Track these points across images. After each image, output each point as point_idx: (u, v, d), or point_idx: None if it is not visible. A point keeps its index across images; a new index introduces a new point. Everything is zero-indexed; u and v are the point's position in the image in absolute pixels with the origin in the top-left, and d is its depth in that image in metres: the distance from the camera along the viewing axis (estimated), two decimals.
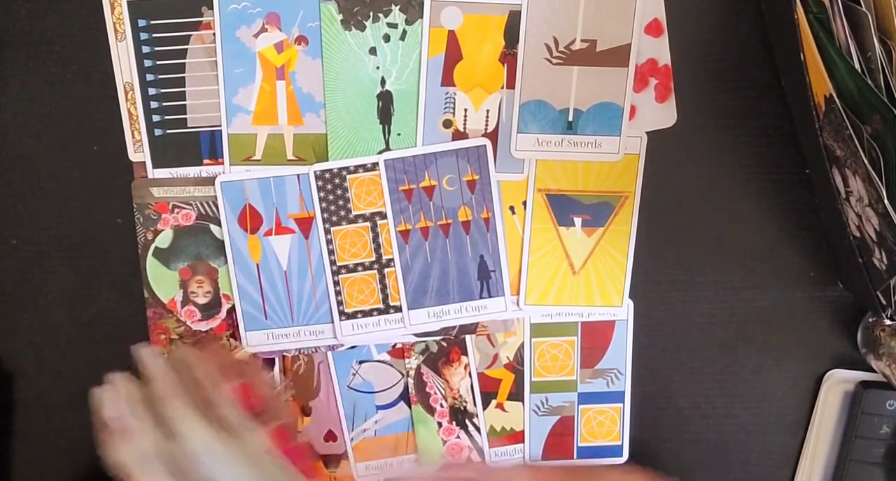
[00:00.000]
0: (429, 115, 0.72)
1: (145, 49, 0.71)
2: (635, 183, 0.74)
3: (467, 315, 0.75)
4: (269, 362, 0.76)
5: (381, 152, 0.73)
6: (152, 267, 0.74)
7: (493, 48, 0.71)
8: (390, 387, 0.77)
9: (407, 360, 0.76)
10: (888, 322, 0.71)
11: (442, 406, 0.77)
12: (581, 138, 0.72)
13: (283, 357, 0.76)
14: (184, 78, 0.71)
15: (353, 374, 0.76)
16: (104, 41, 0.71)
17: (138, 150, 0.72)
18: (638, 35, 0.71)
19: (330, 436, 0.78)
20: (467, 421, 0.77)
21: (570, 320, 0.76)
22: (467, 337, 0.76)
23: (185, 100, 0.72)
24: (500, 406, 0.77)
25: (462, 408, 0.77)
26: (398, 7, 0.70)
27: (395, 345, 0.76)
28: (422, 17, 0.70)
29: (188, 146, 0.72)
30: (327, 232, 0.73)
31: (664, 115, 0.73)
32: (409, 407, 0.77)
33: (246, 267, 0.74)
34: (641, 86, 0.72)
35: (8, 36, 0.72)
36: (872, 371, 0.75)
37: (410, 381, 0.77)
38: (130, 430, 0.57)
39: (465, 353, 0.76)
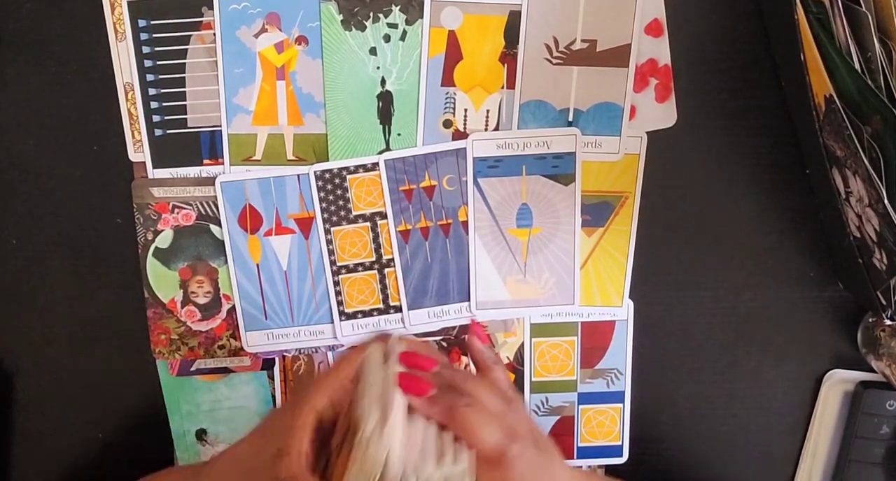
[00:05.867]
0: (429, 115, 0.72)
1: (145, 49, 0.71)
2: (635, 183, 0.74)
3: (467, 315, 0.75)
4: (269, 362, 0.76)
5: (381, 152, 0.72)
6: (152, 267, 0.74)
7: (494, 48, 0.71)
8: None
9: None
10: (888, 322, 0.71)
11: None
12: (581, 138, 0.72)
13: (284, 357, 0.76)
14: (184, 78, 0.71)
15: None
16: (104, 41, 0.71)
17: (138, 150, 0.72)
18: (638, 35, 0.71)
19: None
20: None
21: (570, 320, 0.76)
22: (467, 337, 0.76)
23: (185, 100, 0.72)
24: None
25: None
26: (398, 7, 0.70)
27: None
28: (422, 18, 0.70)
29: (188, 146, 0.72)
30: (327, 232, 0.73)
31: (664, 114, 0.73)
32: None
33: (246, 267, 0.74)
34: (641, 86, 0.72)
35: (8, 36, 0.72)
36: (872, 371, 0.75)
37: None
38: None
39: (466, 353, 0.76)
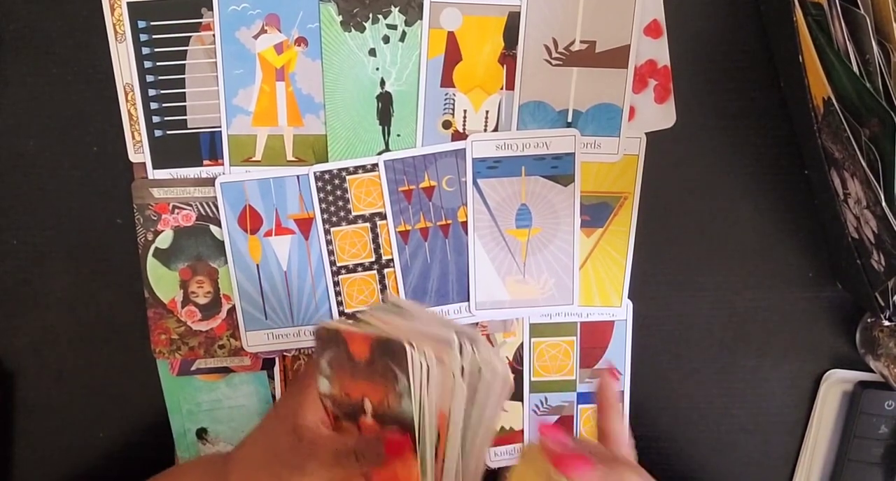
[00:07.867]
0: (428, 115, 0.72)
1: (145, 50, 0.71)
2: (634, 183, 0.74)
3: (467, 315, 0.75)
4: (269, 362, 0.76)
5: (380, 153, 0.73)
6: (153, 267, 0.74)
7: (493, 49, 0.71)
8: None
9: None
10: (886, 323, 0.71)
11: None
12: (580, 139, 0.72)
13: (284, 357, 0.76)
14: (184, 79, 0.71)
15: None
16: (104, 42, 0.71)
17: (138, 151, 0.73)
18: (637, 36, 0.71)
19: None
20: None
21: (570, 320, 0.76)
22: None
23: (185, 101, 0.72)
24: None
25: None
26: (397, 8, 0.70)
27: None
28: (421, 19, 0.70)
29: (188, 147, 0.72)
30: (327, 232, 0.73)
31: (663, 115, 0.73)
32: None
33: (246, 267, 0.74)
34: (641, 87, 0.72)
35: (8, 36, 0.72)
36: (871, 371, 0.75)
37: None
38: None
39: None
